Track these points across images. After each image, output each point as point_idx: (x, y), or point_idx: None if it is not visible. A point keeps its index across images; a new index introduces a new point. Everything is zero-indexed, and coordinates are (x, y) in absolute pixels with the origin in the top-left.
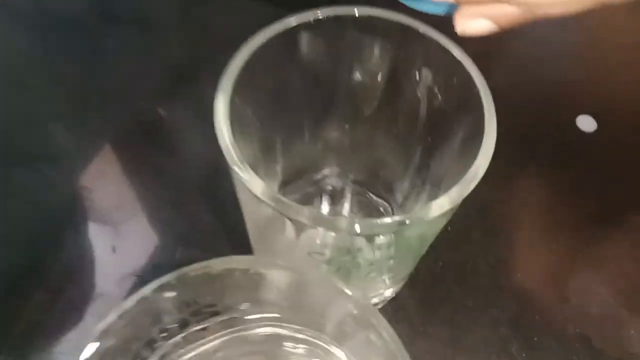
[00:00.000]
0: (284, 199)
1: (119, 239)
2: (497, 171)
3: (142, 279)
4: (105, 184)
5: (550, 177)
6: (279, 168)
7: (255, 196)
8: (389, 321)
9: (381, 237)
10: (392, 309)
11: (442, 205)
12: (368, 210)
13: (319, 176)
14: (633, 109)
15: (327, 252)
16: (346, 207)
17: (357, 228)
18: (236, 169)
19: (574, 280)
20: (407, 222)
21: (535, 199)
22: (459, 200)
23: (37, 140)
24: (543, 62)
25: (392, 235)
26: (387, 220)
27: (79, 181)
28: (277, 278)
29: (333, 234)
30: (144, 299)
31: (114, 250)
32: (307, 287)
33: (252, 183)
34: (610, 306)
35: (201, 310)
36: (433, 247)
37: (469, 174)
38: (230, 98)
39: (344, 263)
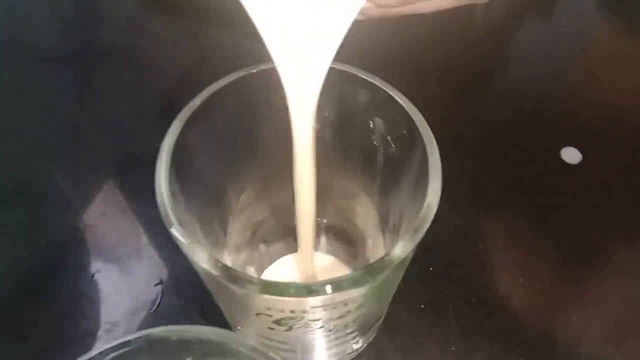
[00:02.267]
0: (220, 264)
1: (101, 285)
2: (479, 205)
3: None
4: (105, 221)
5: (535, 210)
6: (240, 217)
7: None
8: None
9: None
10: (372, 355)
11: (392, 257)
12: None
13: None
14: (618, 141)
15: (275, 314)
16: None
17: (304, 291)
18: (174, 231)
19: (560, 318)
20: (358, 279)
21: (519, 233)
22: (412, 247)
23: (33, 180)
24: (527, 94)
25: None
26: (331, 283)
27: (76, 220)
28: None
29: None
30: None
31: (93, 299)
32: None
33: (189, 247)
34: (598, 346)
35: None
36: (413, 288)
37: (419, 218)
38: (173, 154)
39: (294, 323)
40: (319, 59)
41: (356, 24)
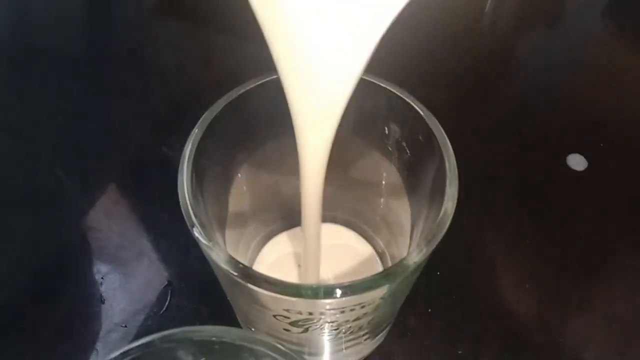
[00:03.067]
0: (241, 265)
1: (110, 287)
2: (485, 212)
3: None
4: (108, 228)
5: (541, 216)
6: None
7: (215, 263)
8: None
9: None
10: (380, 358)
11: (408, 262)
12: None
13: None
14: (623, 147)
15: (292, 316)
16: None
17: (322, 293)
18: (196, 233)
19: (567, 323)
20: (374, 283)
21: (526, 240)
22: (428, 252)
23: (40, 182)
24: (533, 101)
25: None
26: (349, 285)
27: (84, 222)
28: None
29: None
30: None
31: (102, 301)
32: None
33: (210, 248)
34: (605, 352)
35: None
36: (421, 293)
37: (436, 223)
38: (194, 158)
39: (310, 325)
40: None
41: None
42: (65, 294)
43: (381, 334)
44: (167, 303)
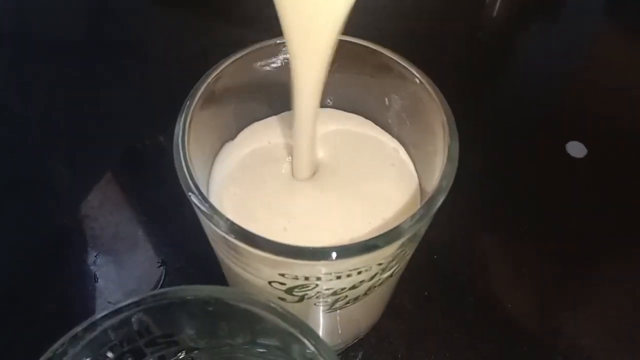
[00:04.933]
0: (243, 229)
1: (105, 267)
2: (485, 198)
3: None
4: (104, 213)
5: (540, 203)
6: None
7: (214, 229)
8: (372, 352)
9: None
10: (376, 339)
11: (404, 226)
12: None
13: None
14: (622, 135)
15: (288, 282)
16: None
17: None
18: (192, 198)
19: (563, 311)
20: (373, 243)
21: (524, 226)
22: (424, 220)
23: (34, 169)
24: (533, 89)
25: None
26: (347, 244)
27: (78, 205)
28: (232, 311)
29: (293, 261)
30: (93, 326)
31: (96, 280)
32: (266, 325)
33: (208, 213)
34: (600, 338)
35: (156, 340)
36: (417, 276)
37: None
38: (188, 124)
39: (306, 292)
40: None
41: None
42: (59, 273)
43: (376, 313)
44: (161, 282)
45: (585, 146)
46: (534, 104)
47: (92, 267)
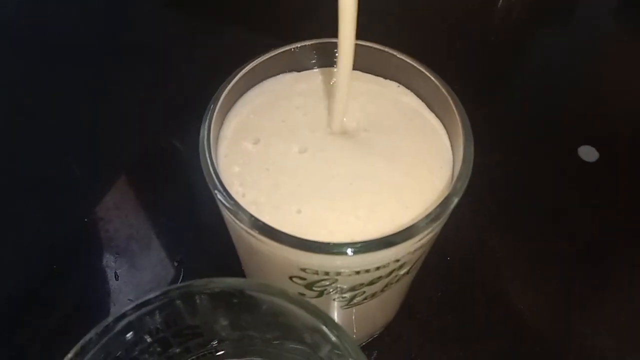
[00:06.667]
0: (266, 225)
1: (124, 266)
2: (497, 201)
3: None
4: (121, 214)
5: (552, 206)
6: None
7: (238, 224)
8: (386, 352)
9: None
10: (389, 339)
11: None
12: None
13: None
14: (634, 139)
15: (309, 276)
16: None
17: (349, 250)
18: (218, 195)
19: (575, 312)
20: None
21: (536, 228)
22: (438, 220)
23: (50, 170)
24: (545, 93)
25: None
26: (366, 240)
27: (97, 204)
28: (258, 303)
29: (313, 255)
30: (123, 316)
31: (116, 277)
32: (289, 319)
33: (233, 209)
34: (612, 339)
35: (182, 331)
36: (430, 276)
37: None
38: (212, 125)
39: (325, 287)
40: None
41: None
42: (80, 271)
43: (392, 310)
44: (180, 280)
45: (597, 150)
46: (545, 108)
47: (111, 266)
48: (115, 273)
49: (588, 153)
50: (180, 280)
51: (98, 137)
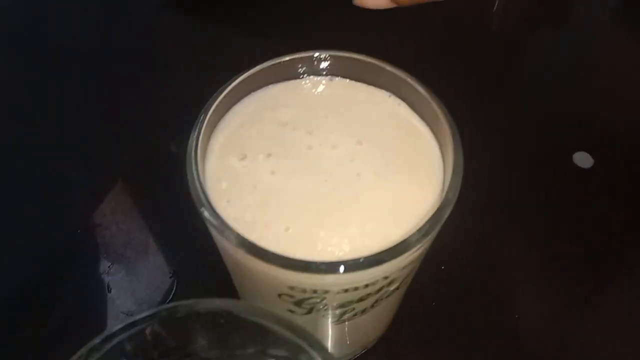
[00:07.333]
0: (253, 244)
1: (117, 276)
2: (491, 208)
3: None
4: (115, 221)
5: (547, 213)
6: None
7: (225, 242)
8: None
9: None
10: (385, 349)
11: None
12: None
13: None
14: (629, 145)
15: (297, 294)
16: None
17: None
18: (205, 212)
19: (571, 319)
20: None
21: (531, 235)
22: (430, 234)
23: (45, 176)
24: (540, 99)
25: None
26: (354, 259)
27: (91, 212)
28: (242, 324)
29: (301, 274)
30: (110, 337)
31: (109, 289)
32: (273, 338)
33: (220, 228)
34: (610, 344)
35: (169, 351)
36: (425, 286)
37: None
38: (200, 139)
39: (315, 305)
40: None
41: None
42: (73, 282)
43: (384, 323)
44: (172, 292)
45: (592, 157)
46: (540, 113)
47: (104, 277)
48: (108, 285)
49: (583, 159)
50: (173, 291)
51: (95, 143)
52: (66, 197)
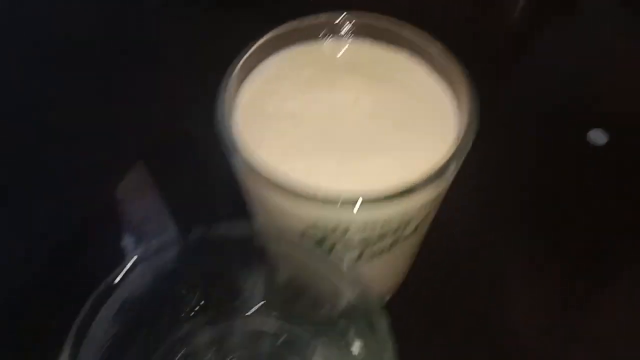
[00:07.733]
0: (279, 178)
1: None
2: (504, 187)
3: None
4: (134, 200)
5: (560, 192)
6: None
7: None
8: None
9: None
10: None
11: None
12: None
13: None
14: None
15: (319, 231)
16: None
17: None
18: (236, 157)
19: (573, 317)
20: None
21: (546, 213)
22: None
23: (51, 168)
24: (554, 76)
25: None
26: (378, 191)
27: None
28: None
29: (325, 207)
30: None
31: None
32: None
33: (249, 169)
34: (612, 345)
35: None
36: (430, 266)
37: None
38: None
39: (336, 240)
40: None
41: None
42: (88, 265)
43: (396, 275)
44: None
45: (607, 133)
46: (555, 92)
47: (121, 258)
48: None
49: (598, 137)
50: None
51: (98, 138)
52: (81, 181)
